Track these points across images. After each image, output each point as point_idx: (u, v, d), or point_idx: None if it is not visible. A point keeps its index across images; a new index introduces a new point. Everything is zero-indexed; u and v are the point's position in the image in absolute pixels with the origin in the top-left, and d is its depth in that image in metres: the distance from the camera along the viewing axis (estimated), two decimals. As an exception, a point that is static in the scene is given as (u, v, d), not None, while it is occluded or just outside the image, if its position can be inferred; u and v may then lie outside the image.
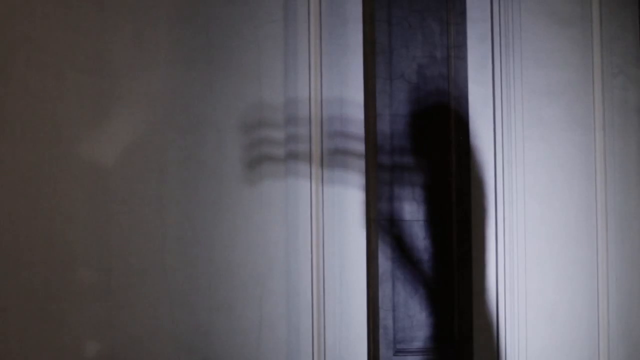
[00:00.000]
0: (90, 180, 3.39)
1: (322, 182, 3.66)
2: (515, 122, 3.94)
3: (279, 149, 3.62)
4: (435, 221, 3.71)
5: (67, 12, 3.39)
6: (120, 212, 3.41)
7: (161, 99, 3.49)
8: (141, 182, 3.45)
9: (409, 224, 3.68)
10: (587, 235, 4.07)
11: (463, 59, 3.77)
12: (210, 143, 3.55)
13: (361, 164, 3.69)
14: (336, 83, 3.70)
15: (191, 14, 3.55)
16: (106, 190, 3.40)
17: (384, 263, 3.65)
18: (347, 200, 3.69)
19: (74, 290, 3.35)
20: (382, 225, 3.66)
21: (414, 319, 3.67)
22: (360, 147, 3.70)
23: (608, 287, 4.06)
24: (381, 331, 3.63)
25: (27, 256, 3.30)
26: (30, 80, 3.34)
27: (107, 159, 3.41)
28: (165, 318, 3.45)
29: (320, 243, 3.65)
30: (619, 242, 4.10)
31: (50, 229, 3.34)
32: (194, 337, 3.48)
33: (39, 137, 3.35)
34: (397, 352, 3.66)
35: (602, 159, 4.09)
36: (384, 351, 3.64)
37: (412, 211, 3.70)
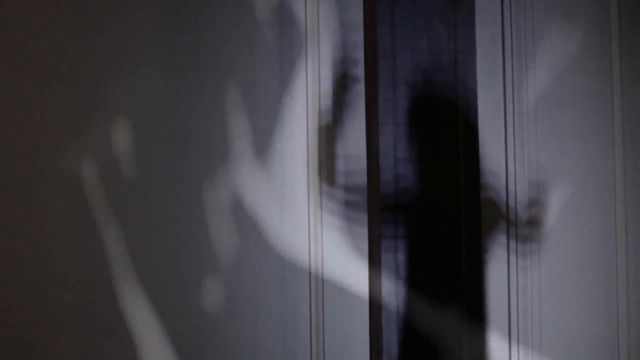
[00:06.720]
0: (71, 195, 3.30)
1: (321, 195, 3.63)
2: (528, 131, 3.95)
3: (274, 158, 3.58)
4: (443, 238, 3.70)
5: (47, 17, 3.32)
6: (103, 229, 3.34)
7: (147, 108, 3.43)
8: (125, 197, 3.37)
9: (414, 241, 3.67)
10: (606, 254, 4.08)
11: (472, 63, 3.79)
12: (200, 155, 3.49)
13: (363, 179, 3.67)
14: (336, 90, 3.71)
15: (178, 17, 3.49)
16: (88, 206, 3.32)
17: (388, 283, 3.63)
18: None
19: (54, 313, 3.26)
20: (385, 242, 3.65)
21: (421, 343, 3.66)
22: (361, 160, 3.68)
23: (628, 309, 4.07)
24: (385, 358, 3.63)
25: (2, 276, 3.20)
26: (7, 88, 3.25)
27: (88, 172, 3.33)
28: (153, 343, 3.38)
29: (319, 262, 3.60)
30: (641, 260, 4.13)
31: (28, 248, 3.24)
32: (183, 364, 3.44)
33: (16, 149, 3.25)
34: (402, 380, 3.67)
35: (622, 171, 4.10)
36: (388, 379, 3.65)
37: (417, 227, 3.68)
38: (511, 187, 3.89)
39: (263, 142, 3.58)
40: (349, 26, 3.68)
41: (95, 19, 3.39)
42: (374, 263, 3.64)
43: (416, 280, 3.65)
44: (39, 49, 3.32)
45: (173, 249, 3.44)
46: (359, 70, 3.68)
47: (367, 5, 3.68)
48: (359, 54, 3.69)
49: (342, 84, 3.64)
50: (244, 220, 3.53)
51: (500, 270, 3.86)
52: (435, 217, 3.69)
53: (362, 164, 3.67)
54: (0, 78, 3.25)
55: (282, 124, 3.60)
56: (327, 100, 3.65)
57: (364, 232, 3.65)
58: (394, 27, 3.69)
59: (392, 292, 3.62)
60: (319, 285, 3.60)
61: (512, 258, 3.89)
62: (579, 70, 4.04)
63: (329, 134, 3.66)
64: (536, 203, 3.93)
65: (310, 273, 3.60)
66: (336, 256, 3.63)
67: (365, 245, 3.66)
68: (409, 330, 3.63)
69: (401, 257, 3.64)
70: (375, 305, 3.63)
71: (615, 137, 4.08)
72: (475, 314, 3.74)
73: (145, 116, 3.44)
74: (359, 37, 3.68)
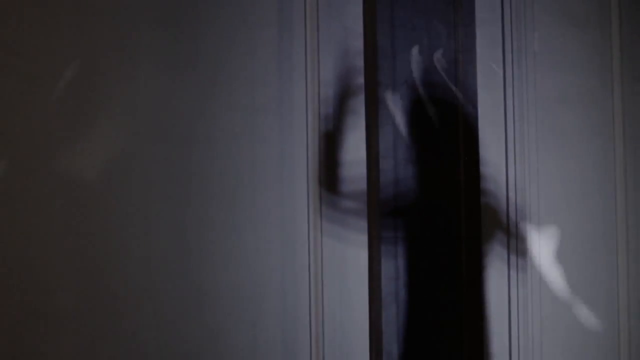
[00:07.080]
0: (69, 197, 3.29)
1: (321, 195, 3.61)
2: (528, 131, 3.94)
3: (273, 161, 3.57)
4: (442, 239, 3.69)
5: (43, 15, 3.30)
6: (101, 231, 3.33)
7: (146, 109, 3.42)
8: (124, 198, 3.36)
9: (414, 242, 3.65)
10: (607, 256, 4.07)
11: (472, 63, 3.77)
12: (199, 156, 3.47)
13: (363, 183, 3.66)
14: (335, 90, 3.69)
15: (178, 16, 3.48)
16: (86, 208, 3.31)
17: (388, 284, 3.62)
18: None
19: (51, 317, 3.25)
20: (385, 243, 3.63)
21: (420, 344, 3.65)
22: (361, 162, 3.66)
23: (629, 313, 4.07)
24: (385, 358, 3.61)
25: (2, 277, 3.18)
26: (7, 88, 3.24)
27: (87, 173, 3.32)
28: (151, 345, 3.37)
29: (319, 262, 3.60)
30: (641, 261, 4.11)
31: (25, 250, 3.23)
32: (182, 365, 3.42)
33: (12, 150, 3.24)
34: (402, 380, 3.65)
35: (623, 172, 4.09)
36: (388, 380, 3.64)
37: (417, 228, 3.67)
38: (511, 193, 3.89)
39: (262, 145, 3.57)
40: (350, 30, 3.68)
41: (92, 19, 3.37)
42: (374, 266, 3.62)
43: (416, 283, 3.63)
44: (36, 48, 3.30)
45: (172, 249, 3.43)
46: (362, 79, 3.68)
47: (367, 5, 3.66)
48: (362, 62, 3.69)
49: (346, 93, 3.62)
50: (243, 219, 3.52)
51: (501, 273, 3.85)
52: (435, 219, 3.68)
53: (361, 169, 3.67)
54: (1, 78, 3.24)
55: (281, 127, 3.60)
56: (327, 105, 3.65)
57: (363, 238, 3.65)
58: (394, 27, 3.67)
59: (392, 293, 3.61)
60: (318, 284, 3.59)
61: (512, 258, 3.88)
62: (579, 70, 4.03)
63: (330, 140, 3.65)
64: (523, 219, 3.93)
65: (309, 272, 3.59)
66: (336, 257, 3.62)
67: (365, 250, 3.65)
68: (409, 331, 3.62)
69: (401, 260, 3.63)
70: (375, 306, 3.61)
71: (616, 137, 4.08)
72: (475, 316, 3.73)
73: (145, 116, 3.42)
74: (360, 44, 3.68)
